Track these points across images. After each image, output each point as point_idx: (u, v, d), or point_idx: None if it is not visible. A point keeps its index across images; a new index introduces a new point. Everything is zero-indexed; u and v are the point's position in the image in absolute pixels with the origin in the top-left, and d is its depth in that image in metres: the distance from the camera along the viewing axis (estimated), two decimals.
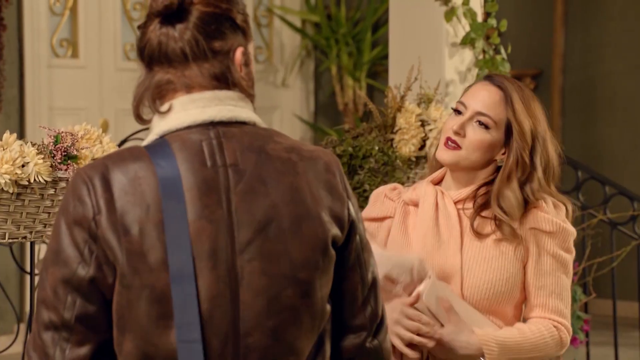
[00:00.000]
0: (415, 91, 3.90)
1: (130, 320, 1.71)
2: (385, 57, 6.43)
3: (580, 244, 4.56)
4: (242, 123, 1.78)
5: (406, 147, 3.78)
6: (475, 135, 2.48)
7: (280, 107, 7.01)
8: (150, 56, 1.78)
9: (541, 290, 2.48)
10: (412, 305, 2.40)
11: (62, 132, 2.98)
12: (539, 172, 2.48)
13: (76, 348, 1.73)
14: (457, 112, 2.51)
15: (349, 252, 1.79)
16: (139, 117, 1.79)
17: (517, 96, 2.48)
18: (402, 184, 3.80)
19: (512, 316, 2.51)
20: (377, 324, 1.84)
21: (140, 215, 1.71)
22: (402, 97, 3.84)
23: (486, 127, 2.48)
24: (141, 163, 1.73)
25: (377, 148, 3.78)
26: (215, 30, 1.77)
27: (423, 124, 3.81)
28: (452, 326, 2.40)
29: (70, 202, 1.74)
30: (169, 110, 1.77)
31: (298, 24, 7.00)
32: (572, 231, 2.51)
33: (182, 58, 1.76)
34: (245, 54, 1.80)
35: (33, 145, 2.96)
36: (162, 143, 1.75)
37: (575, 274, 4.60)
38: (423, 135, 3.79)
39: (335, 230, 1.76)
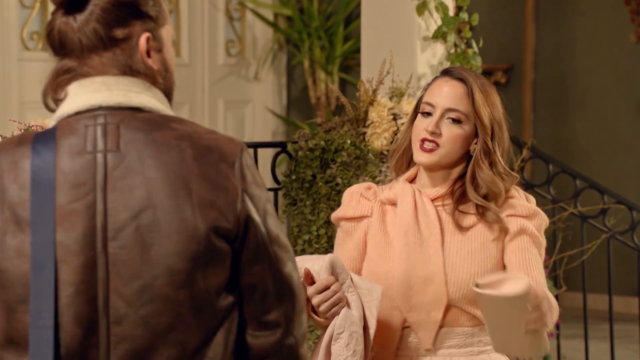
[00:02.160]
0: (387, 85, 3.91)
1: None
2: (358, 50, 6.43)
3: (551, 237, 4.58)
4: (135, 109, 1.77)
5: (378, 140, 3.79)
6: (450, 131, 2.50)
7: (253, 100, 7.00)
8: (53, 45, 1.79)
9: (523, 264, 2.49)
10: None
11: (33, 125, 2.97)
12: (498, 154, 2.53)
13: None
14: (426, 114, 2.53)
15: (248, 245, 1.77)
16: (46, 106, 1.80)
17: (476, 87, 2.52)
18: (374, 177, 3.81)
19: None
20: (295, 323, 1.82)
21: (10, 199, 1.72)
22: (374, 91, 3.84)
23: (458, 121, 2.51)
24: (21, 148, 1.75)
25: (349, 142, 3.78)
26: (117, 18, 1.77)
27: (395, 117, 3.82)
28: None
29: None
30: (64, 97, 1.78)
31: (270, 17, 6.99)
32: (545, 217, 2.56)
33: (81, 48, 1.77)
34: (156, 39, 1.80)
35: (3, 138, 2.94)
36: (52, 129, 1.77)
37: (546, 267, 4.63)
38: (395, 129, 3.80)
39: (221, 223, 1.73)
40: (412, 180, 2.59)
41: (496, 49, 6.76)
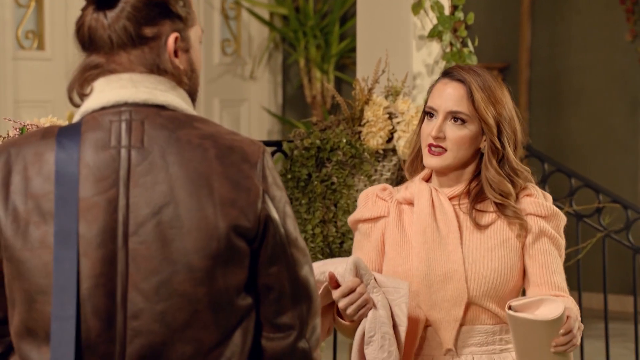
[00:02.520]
0: (382, 84, 3.91)
1: (17, 294, 1.74)
2: (353, 49, 6.44)
3: None
4: (160, 107, 1.78)
5: (374, 139, 3.79)
6: (454, 133, 2.50)
7: (249, 99, 7.00)
8: (82, 41, 1.81)
9: (544, 269, 2.50)
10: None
11: (28, 124, 2.97)
12: (508, 150, 2.53)
13: None
14: (430, 115, 2.53)
15: (267, 246, 1.77)
16: (71, 100, 1.81)
17: (476, 86, 2.51)
18: (370, 176, 3.81)
19: None
20: (309, 327, 1.81)
21: (34, 190, 1.74)
22: (370, 90, 3.84)
23: (462, 122, 2.51)
24: (46, 141, 1.76)
25: (344, 141, 3.79)
26: (147, 17, 1.78)
27: (390, 116, 3.82)
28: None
29: None
30: (90, 92, 1.79)
31: (266, 16, 6.99)
32: (563, 216, 2.56)
33: (110, 45, 1.78)
34: (184, 40, 1.81)
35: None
36: (77, 123, 1.78)
37: None
38: (390, 127, 3.80)
39: (241, 222, 1.74)
40: (427, 180, 2.59)
41: (492, 48, 6.77)
